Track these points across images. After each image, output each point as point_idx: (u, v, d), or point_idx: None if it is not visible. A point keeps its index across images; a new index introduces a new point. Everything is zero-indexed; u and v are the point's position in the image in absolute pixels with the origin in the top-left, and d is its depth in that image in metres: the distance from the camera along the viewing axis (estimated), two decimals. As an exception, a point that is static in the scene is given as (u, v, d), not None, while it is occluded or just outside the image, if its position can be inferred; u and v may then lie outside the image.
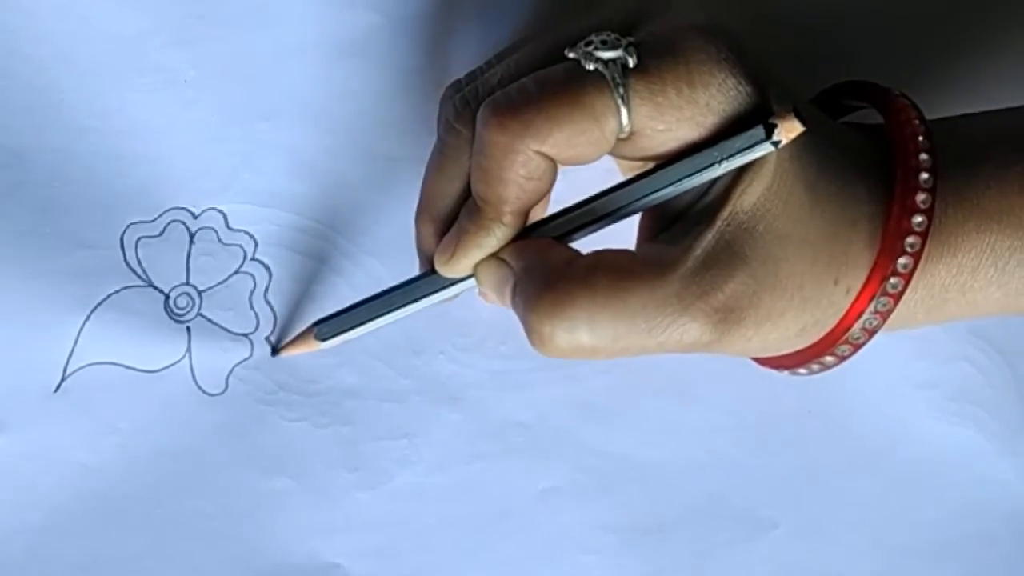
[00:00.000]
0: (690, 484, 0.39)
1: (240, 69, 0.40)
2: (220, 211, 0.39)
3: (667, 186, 0.32)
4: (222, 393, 0.38)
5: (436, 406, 0.39)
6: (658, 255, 0.32)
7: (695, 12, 0.33)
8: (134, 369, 0.38)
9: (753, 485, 0.39)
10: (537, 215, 0.34)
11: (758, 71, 0.31)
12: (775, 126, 0.30)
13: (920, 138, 0.32)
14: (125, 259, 0.39)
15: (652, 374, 0.40)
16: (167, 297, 0.39)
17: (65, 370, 0.38)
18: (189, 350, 0.39)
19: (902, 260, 0.32)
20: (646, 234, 0.34)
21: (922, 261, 0.33)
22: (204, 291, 0.39)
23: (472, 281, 0.34)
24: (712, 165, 0.31)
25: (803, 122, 0.30)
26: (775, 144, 0.30)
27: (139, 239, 0.39)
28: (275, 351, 0.38)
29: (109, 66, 0.40)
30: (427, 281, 0.34)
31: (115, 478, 0.37)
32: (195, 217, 0.39)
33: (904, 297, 0.33)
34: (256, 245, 0.39)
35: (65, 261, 0.38)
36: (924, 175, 0.32)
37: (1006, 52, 0.41)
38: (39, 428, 0.37)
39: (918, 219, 0.32)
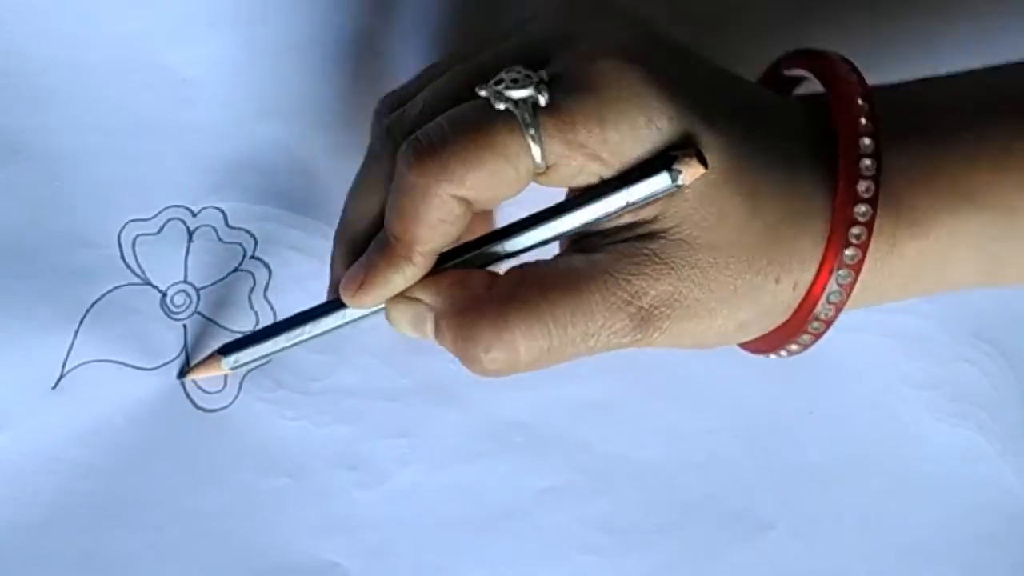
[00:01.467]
0: (688, 484, 0.39)
1: (238, 67, 0.41)
2: (219, 209, 0.40)
3: (576, 227, 0.33)
4: (220, 391, 0.39)
5: (435, 405, 0.39)
6: (579, 265, 0.33)
7: (619, 31, 0.33)
8: (131, 367, 0.39)
9: (751, 485, 0.40)
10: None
11: (679, 92, 0.32)
12: (679, 172, 0.31)
13: (863, 120, 0.33)
14: (123, 257, 0.40)
15: (652, 374, 0.40)
16: (164, 295, 0.40)
17: (63, 367, 0.38)
18: (186, 348, 0.39)
19: (848, 251, 0.32)
20: (565, 243, 0.35)
21: (889, 245, 0.33)
22: (202, 289, 0.40)
23: (380, 309, 0.35)
24: (619, 209, 0.32)
25: (704, 164, 0.31)
26: (678, 186, 0.31)
27: (137, 237, 0.40)
28: (181, 374, 0.39)
29: (108, 65, 0.40)
30: (336, 313, 0.35)
31: (113, 476, 0.38)
32: (194, 215, 0.40)
33: (868, 283, 0.33)
34: (256, 243, 0.40)
35: (63, 259, 0.39)
36: (867, 161, 0.32)
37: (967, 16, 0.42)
38: (37, 425, 0.38)
39: (862, 208, 0.32)
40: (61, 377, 0.38)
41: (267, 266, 0.40)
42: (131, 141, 0.40)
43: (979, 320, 0.42)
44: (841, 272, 0.33)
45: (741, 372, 0.40)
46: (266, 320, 0.40)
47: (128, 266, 0.40)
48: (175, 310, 0.40)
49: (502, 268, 0.34)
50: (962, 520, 0.40)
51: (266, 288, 0.40)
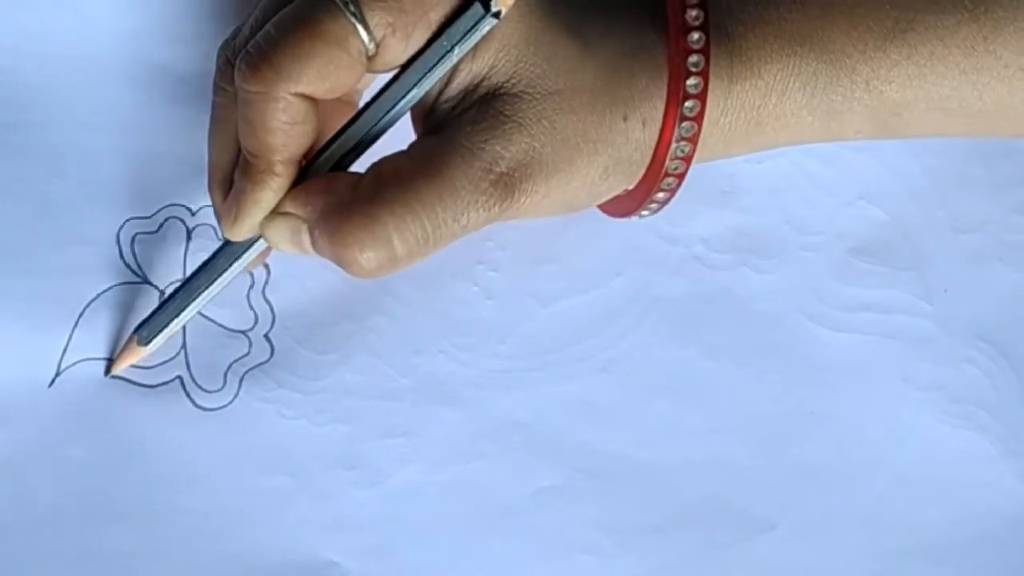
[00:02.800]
0: (688, 484, 0.40)
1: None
2: (219, 208, 0.41)
3: (412, 88, 0.34)
4: (219, 390, 0.40)
5: (434, 405, 0.40)
6: (435, 145, 0.34)
7: None
8: (129, 365, 0.39)
9: (752, 486, 0.40)
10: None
11: None
12: (500, 10, 0.32)
13: None
14: (121, 256, 0.40)
15: (651, 374, 0.41)
16: (162, 294, 0.40)
17: (59, 366, 0.39)
18: (184, 347, 0.40)
19: (691, 80, 0.34)
20: (420, 128, 0.36)
21: (727, 83, 0.35)
22: (201, 288, 0.41)
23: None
24: (447, 55, 0.33)
25: None
26: (496, 16, 0.33)
27: (136, 236, 0.41)
28: (107, 371, 0.39)
29: (107, 63, 0.41)
30: (225, 254, 0.36)
31: (110, 474, 0.39)
32: (193, 214, 0.41)
33: (716, 121, 0.35)
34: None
35: (61, 257, 0.40)
36: None
37: None
38: (33, 423, 0.39)
39: (695, 36, 0.34)
40: (57, 375, 0.39)
41: (266, 265, 0.41)
42: (130, 139, 0.41)
43: (981, 321, 0.43)
44: (688, 104, 0.34)
45: (741, 372, 0.41)
46: (265, 320, 0.41)
47: (127, 264, 0.41)
48: (174, 309, 0.40)
49: (367, 163, 0.35)
50: (963, 521, 0.41)
51: (264, 287, 0.41)
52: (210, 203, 0.40)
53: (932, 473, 0.41)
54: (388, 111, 0.34)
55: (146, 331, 0.38)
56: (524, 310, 0.41)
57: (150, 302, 0.40)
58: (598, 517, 0.40)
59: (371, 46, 0.33)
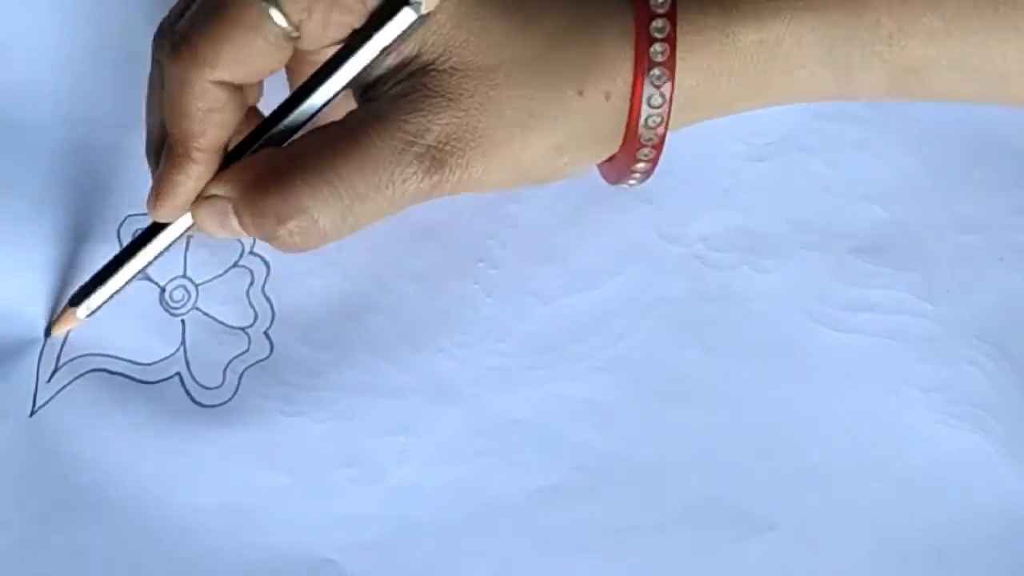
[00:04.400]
0: (687, 484, 0.41)
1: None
2: (218, 205, 0.42)
3: (339, 89, 0.34)
4: (219, 387, 0.40)
5: (434, 403, 0.41)
6: (358, 118, 0.34)
7: None
8: (128, 361, 0.40)
9: (752, 486, 0.41)
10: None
11: None
12: (420, 2, 0.32)
13: None
14: (121, 252, 0.41)
15: (651, 373, 0.42)
16: (163, 290, 0.41)
17: (57, 361, 0.40)
18: (184, 343, 0.41)
19: (655, 47, 0.33)
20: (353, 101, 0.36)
21: (718, 41, 0.34)
22: (201, 284, 0.41)
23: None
24: (376, 55, 0.33)
25: None
26: (423, 16, 0.32)
27: (136, 232, 0.41)
28: (47, 333, 0.40)
29: (108, 59, 0.42)
30: (154, 228, 0.37)
31: (108, 471, 0.39)
32: (193, 210, 0.42)
33: (717, 72, 0.34)
34: (254, 239, 0.41)
35: (61, 253, 0.41)
36: None
37: None
38: (31, 419, 0.39)
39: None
40: (56, 370, 0.40)
41: (265, 262, 0.42)
42: (130, 136, 0.41)
43: (983, 322, 0.43)
44: (654, 72, 0.33)
45: (741, 372, 0.42)
46: (264, 317, 0.41)
47: (127, 261, 0.41)
48: (174, 305, 0.41)
49: None
50: (963, 523, 0.41)
51: (264, 284, 0.41)
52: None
53: (933, 474, 0.42)
54: (315, 109, 0.34)
55: (84, 304, 0.38)
56: (524, 308, 0.42)
57: (151, 299, 0.41)
58: (597, 516, 0.40)
59: (290, 31, 0.33)
